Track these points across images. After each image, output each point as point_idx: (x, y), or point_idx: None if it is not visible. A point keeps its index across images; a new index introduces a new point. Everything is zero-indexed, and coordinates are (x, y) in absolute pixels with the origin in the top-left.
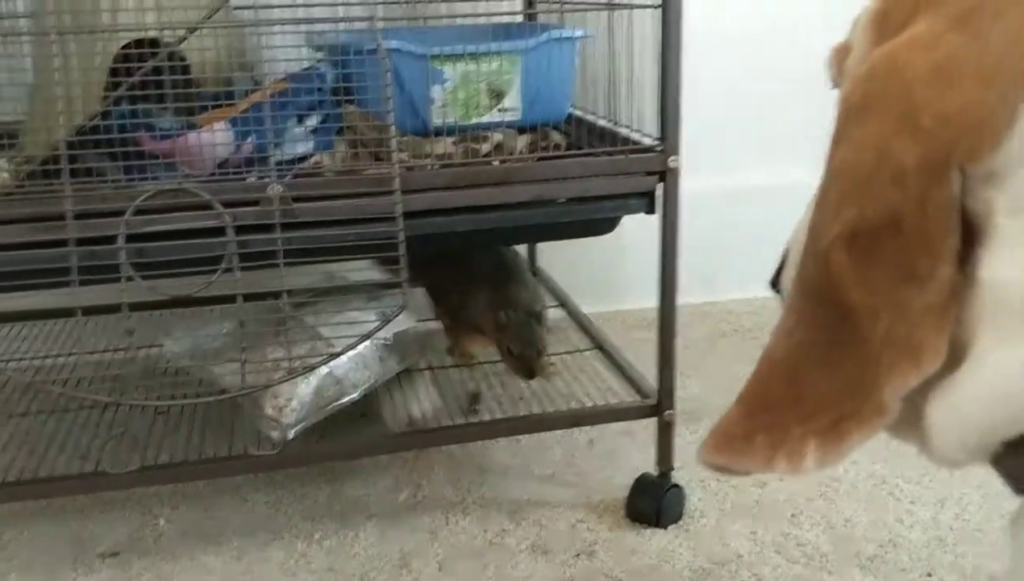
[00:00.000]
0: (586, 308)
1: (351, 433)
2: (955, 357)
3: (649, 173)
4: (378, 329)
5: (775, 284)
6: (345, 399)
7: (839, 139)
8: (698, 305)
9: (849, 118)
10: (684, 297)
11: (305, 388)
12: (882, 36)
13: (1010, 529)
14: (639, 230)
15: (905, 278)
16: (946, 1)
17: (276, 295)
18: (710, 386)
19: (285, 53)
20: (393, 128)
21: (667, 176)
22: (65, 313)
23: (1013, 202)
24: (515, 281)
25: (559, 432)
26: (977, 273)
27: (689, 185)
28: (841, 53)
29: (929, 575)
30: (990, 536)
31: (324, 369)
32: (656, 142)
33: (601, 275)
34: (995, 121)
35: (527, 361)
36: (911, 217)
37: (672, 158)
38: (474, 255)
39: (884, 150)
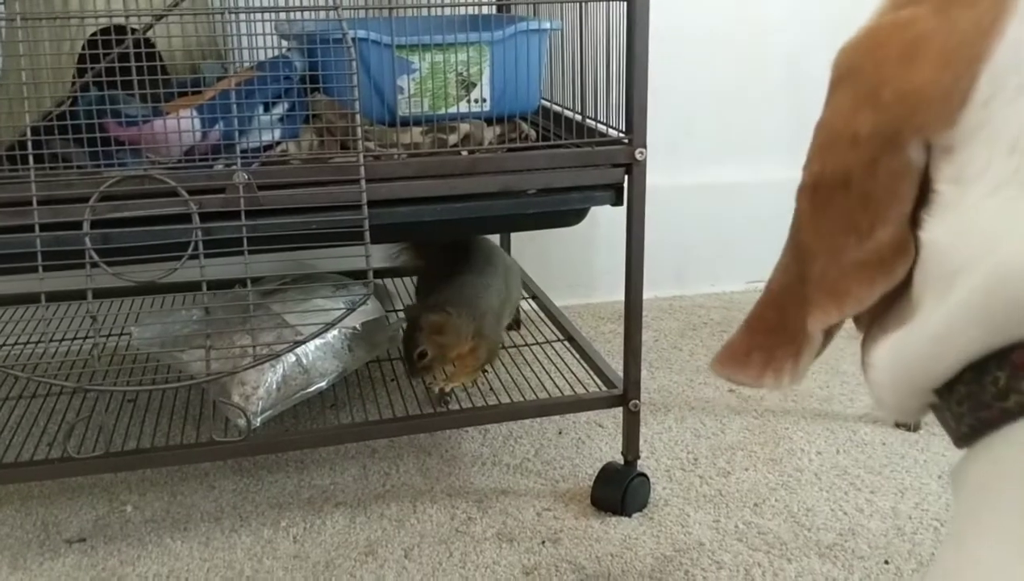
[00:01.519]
0: (560, 300)
1: (320, 421)
2: (910, 313)
3: (616, 165)
4: (343, 317)
5: None
6: (313, 388)
7: (827, 100)
8: (669, 298)
9: (835, 83)
10: (656, 291)
11: (272, 376)
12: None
13: (951, 481)
14: (611, 223)
15: (846, 231)
16: None
17: (243, 283)
18: (678, 378)
19: (253, 41)
20: (359, 117)
21: (633, 168)
22: (30, 299)
23: (956, 172)
24: (464, 282)
25: (529, 422)
26: (921, 236)
27: (662, 180)
28: None
29: (887, 562)
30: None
31: (291, 357)
32: (623, 134)
33: (574, 268)
34: (948, 100)
35: (408, 358)
36: (859, 179)
37: (639, 150)
38: (456, 250)
39: (850, 117)
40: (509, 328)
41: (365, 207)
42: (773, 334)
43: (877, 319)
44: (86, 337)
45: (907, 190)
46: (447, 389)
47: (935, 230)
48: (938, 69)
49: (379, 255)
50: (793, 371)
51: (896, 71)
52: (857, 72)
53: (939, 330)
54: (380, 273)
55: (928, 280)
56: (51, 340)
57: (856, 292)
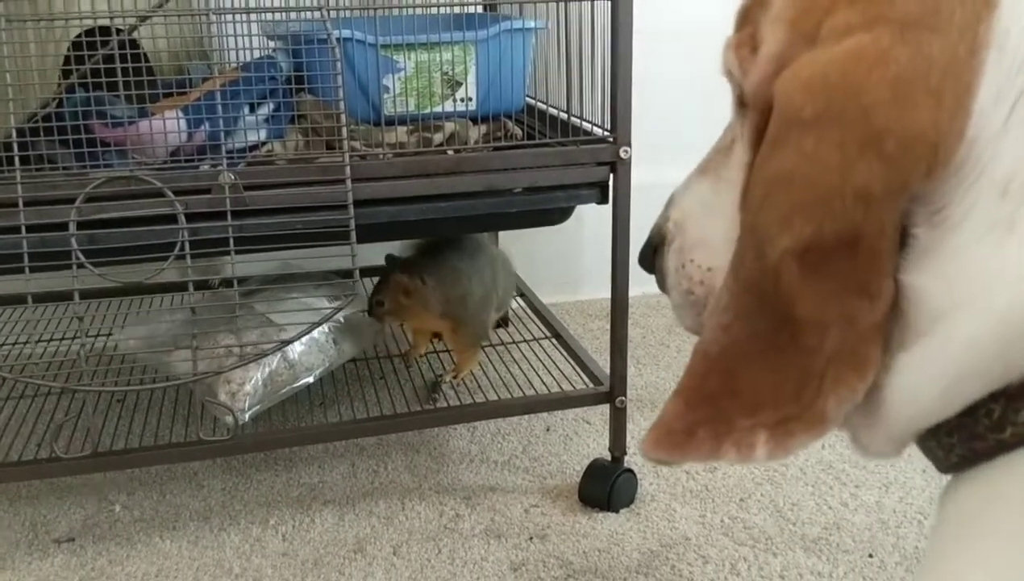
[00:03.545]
0: (547, 298)
1: (308, 420)
2: (888, 359)
3: (601, 163)
4: (328, 318)
5: (645, 263)
6: (299, 383)
7: (782, 143)
8: (656, 295)
9: (796, 127)
10: (643, 288)
11: (258, 373)
12: (799, 31)
13: (939, 506)
14: (597, 221)
15: (856, 295)
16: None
17: (228, 283)
18: (666, 374)
19: (238, 41)
20: (344, 116)
21: (618, 167)
22: (16, 300)
23: (933, 214)
24: (450, 262)
25: (517, 419)
26: (902, 280)
27: (647, 178)
28: (744, 47)
29: (871, 556)
30: (932, 519)
31: (276, 353)
32: (608, 133)
33: (560, 265)
34: (948, 140)
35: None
36: (870, 237)
37: (624, 149)
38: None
39: (848, 172)
40: (497, 325)
41: (351, 207)
42: (723, 403)
43: None
44: (73, 338)
45: (898, 238)
46: (458, 381)
47: (918, 276)
48: (933, 109)
49: (365, 255)
50: (777, 446)
51: (891, 118)
52: (838, 120)
53: (943, 378)
54: (366, 272)
55: (909, 326)
56: (38, 341)
57: (876, 357)
